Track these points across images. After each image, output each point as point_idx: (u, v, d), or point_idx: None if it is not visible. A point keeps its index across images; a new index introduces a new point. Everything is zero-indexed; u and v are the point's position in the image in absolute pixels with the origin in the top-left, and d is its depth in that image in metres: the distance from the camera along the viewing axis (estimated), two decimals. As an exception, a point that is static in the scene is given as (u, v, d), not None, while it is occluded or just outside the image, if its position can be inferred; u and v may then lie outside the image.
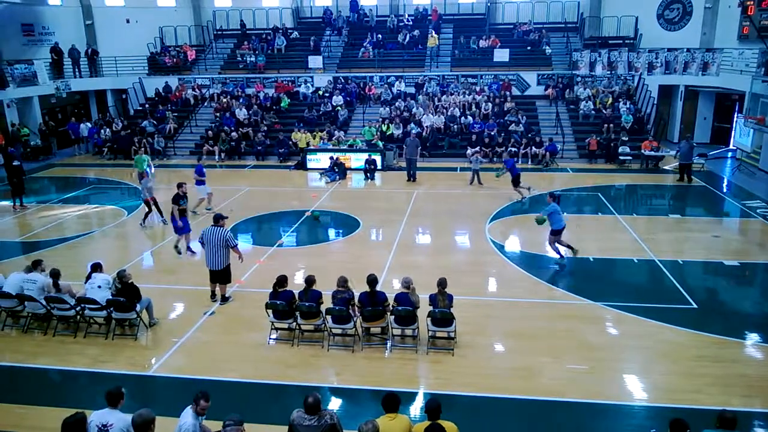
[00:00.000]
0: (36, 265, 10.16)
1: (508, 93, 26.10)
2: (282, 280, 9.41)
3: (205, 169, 16.83)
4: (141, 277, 11.47)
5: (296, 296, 9.32)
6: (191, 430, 5.89)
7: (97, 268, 10.02)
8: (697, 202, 17.77)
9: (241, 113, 25.87)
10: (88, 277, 9.84)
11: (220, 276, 10.76)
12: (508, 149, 21.80)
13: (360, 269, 10.82)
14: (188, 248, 13.59)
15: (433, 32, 28.68)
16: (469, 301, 10.59)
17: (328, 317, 9.23)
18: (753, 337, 9.43)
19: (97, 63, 28.95)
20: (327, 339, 9.36)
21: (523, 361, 8.79)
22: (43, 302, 9.72)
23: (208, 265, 10.67)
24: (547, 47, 27.87)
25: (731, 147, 24.23)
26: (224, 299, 10.95)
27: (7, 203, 17.88)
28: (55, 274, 9.91)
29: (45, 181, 21.83)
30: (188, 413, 5.99)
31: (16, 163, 17.55)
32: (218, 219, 10.75)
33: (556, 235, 12.51)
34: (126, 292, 9.51)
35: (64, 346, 9.51)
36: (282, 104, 26.96)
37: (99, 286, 9.69)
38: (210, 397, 6.14)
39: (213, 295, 11.02)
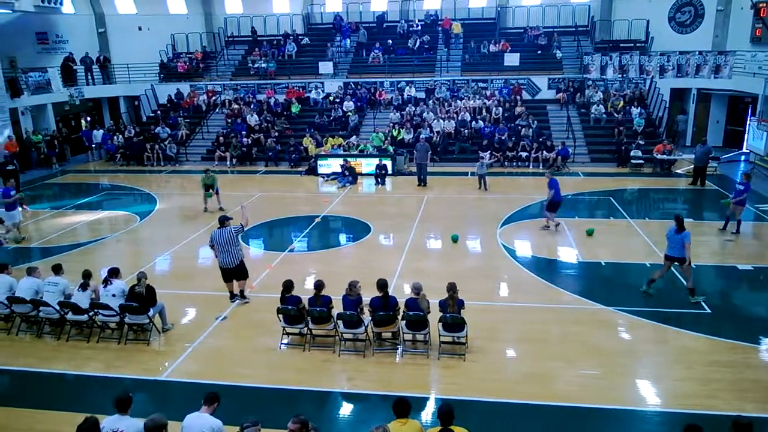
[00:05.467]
0: (57, 270, 10.33)
1: (518, 97, 26.05)
2: (288, 286, 9.42)
3: (13, 193, 15.18)
4: (153, 282, 11.51)
5: (304, 301, 9.35)
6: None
7: (114, 273, 10.10)
8: (710, 205, 17.61)
9: (252, 119, 26.02)
10: (106, 282, 9.93)
11: (237, 272, 10.92)
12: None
13: (370, 274, 10.82)
14: None
15: (456, 21, 29.28)
16: (481, 306, 10.55)
17: (339, 322, 9.24)
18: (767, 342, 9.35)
19: (109, 70, 29.23)
20: (338, 344, 9.37)
21: (536, 367, 8.74)
22: (57, 307, 9.81)
23: (222, 264, 10.80)
24: (558, 51, 27.81)
25: (744, 150, 24.02)
26: (243, 296, 11.11)
27: None
28: (86, 275, 10.09)
29: (57, 187, 22.06)
30: (212, 417, 6.08)
31: (10, 167, 18.96)
32: (224, 220, 10.91)
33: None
34: (145, 294, 9.62)
35: (77, 351, 9.59)
36: (293, 110, 27.08)
37: (114, 295, 9.77)
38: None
39: (232, 295, 11.11)
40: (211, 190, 17.51)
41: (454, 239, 14.45)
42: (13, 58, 25.93)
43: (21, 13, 25.46)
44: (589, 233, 14.67)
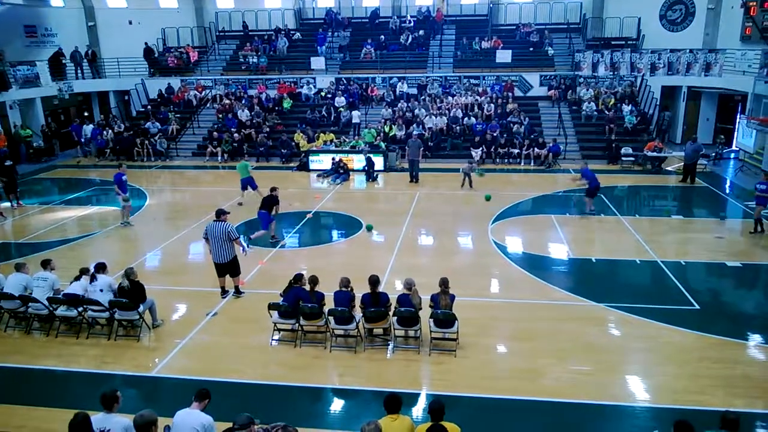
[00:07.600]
0: (45, 265, 10.24)
1: (510, 94, 26.08)
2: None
3: (124, 178, 15.69)
4: (143, 278, 11.45)
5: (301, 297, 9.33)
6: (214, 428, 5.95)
7: (100, 268, 10.04)
8: (700, 203, 17.73)
9: (244, 114, 25.88)
10: (93, 278, 9.86)
11: (229, 268, 10.90)
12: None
13: (362, 270, 10.79)
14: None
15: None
16: (472, 302, 10.57)
17: (331, 318, 9.22)
18: (756, 338, 9.41)
19: (98, 64, 28.97)
20: (329, 340, 9.36)
21: (526, 363, 8.78)
22: (46, 303, 9.74)
23: (215, 259, 10.79)
24: (550, 48, 27.84)
25: (734, 148, 24.18)
26: (238, 291, 11.06)
27: (6, 204, 17.94)
28: (83, 272, 10.06)
29: (47, 182, 21.88)
30: (202, 413, 6.03)
31: (8, 162, 18.35)
32: (220, 214, 10.88)
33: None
34: (133, 290, 9.54)
35: (66, 347, 9.53)
36: (284, 105, 26.98)
37: (101, 290, 9.72)
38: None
39: (223, 291, 11.06)
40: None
41: (369, 228, 14.91)
42: (1, 52, 25.63)
43: (9, 5, 25.22)
44: (487, 198, 17.08)
